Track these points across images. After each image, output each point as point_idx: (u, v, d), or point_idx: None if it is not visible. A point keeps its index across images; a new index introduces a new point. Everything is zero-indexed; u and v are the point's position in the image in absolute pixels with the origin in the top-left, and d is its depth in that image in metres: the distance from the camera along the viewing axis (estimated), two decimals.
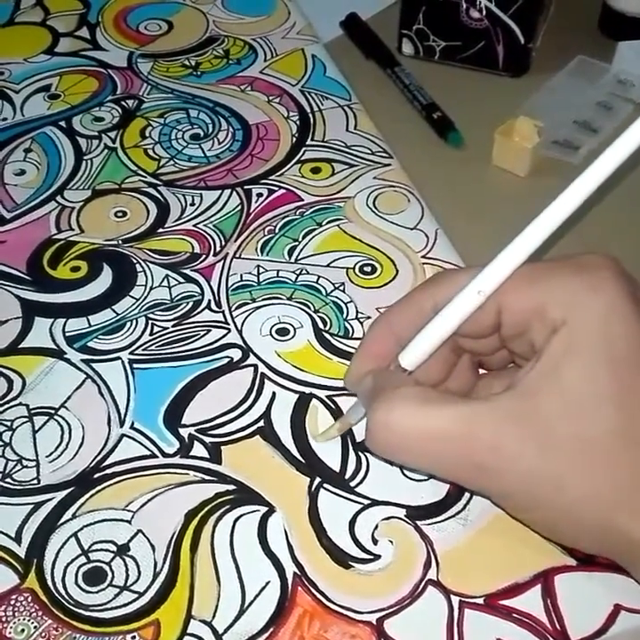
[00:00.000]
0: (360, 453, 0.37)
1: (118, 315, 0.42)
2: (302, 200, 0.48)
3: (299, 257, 0.45)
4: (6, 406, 0.38)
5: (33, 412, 0.38)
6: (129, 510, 0.35)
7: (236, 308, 0.43)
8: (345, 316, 0.42)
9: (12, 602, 0.32)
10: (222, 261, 0.45)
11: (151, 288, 0.44)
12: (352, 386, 0.37)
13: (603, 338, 0.29)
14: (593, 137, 0.53)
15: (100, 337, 0.41)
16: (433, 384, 0.35)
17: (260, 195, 0.49)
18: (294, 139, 0.52)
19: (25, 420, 0.38)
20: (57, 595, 0.32)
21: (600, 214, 0.45)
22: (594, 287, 0.30)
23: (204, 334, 0.41)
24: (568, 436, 0.29)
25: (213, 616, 0.32)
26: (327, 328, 0.42)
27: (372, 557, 0.34)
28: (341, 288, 0.44)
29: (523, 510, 0.32)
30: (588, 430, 0.29)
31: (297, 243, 0.46)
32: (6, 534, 0.34)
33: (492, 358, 0.35)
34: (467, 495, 0.35)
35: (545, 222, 0.30)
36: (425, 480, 0.36)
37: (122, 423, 0.38)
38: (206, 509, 0.35)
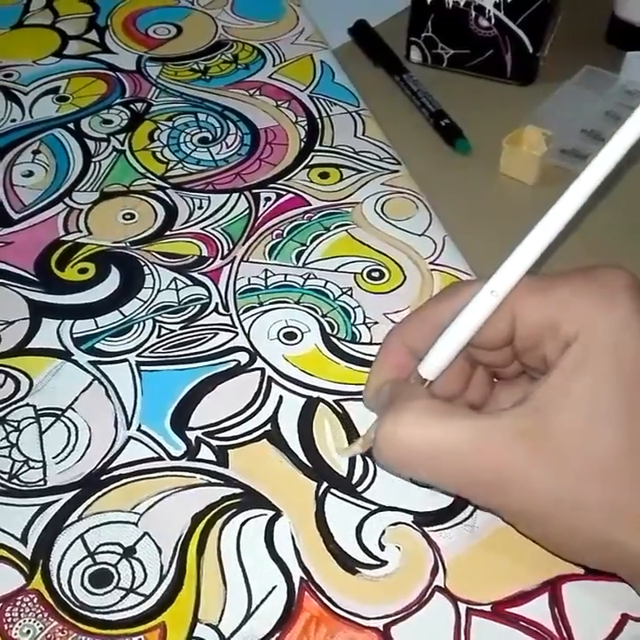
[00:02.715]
0: (367, 459, 0.37)
1: (126, 317, 0.42)
2: (310, 205, 0.48)
3: (306, 261, 0.45)
4: (13, 407, 0.38)
5: (40, 412, 0.38)
6: (135, 512, 0.35)
7: (244, 312, 0.43)
8: (352, 320, 0.42)
9: (18, 603, 0.32)
10: (230, 265, 0.45)
11: (159, 290, 0.44)
12: (370, 402, 0.37)
13: (614, 355, 0.29)
14: (601, 146, 0.53)
15: (108, 339, 0.41)
16: (451, 396, 0.35)
17: (268, 199, 0.49)
18: (302, 144, 0.52)
19: (32, 420, 0.38)
20: (63, 596, 0.32)
21: (601, 213, 0.45)
22: (607, 303, 0.30)
23: (212, 337, 0.41)
24: (575, 453, 0.29)
25: (219, 620, 0.32)
26: (335, 332, 0.42)
27: (379, 563, 0.34)
28: (349, 293, 0.44)
29: (529, 526, 0.32)
30: (594, 447, 0.29)
31: (305, 247, 0.46)
32: (12, 535, 0.34)
33: (506, 371, 0.35)
34: None
35: (552, 221, 0.31)
36: (432, 486, 0.36)
37: (129, 425, 0.38)
38: (213, 513, 0.35)
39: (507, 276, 0.31)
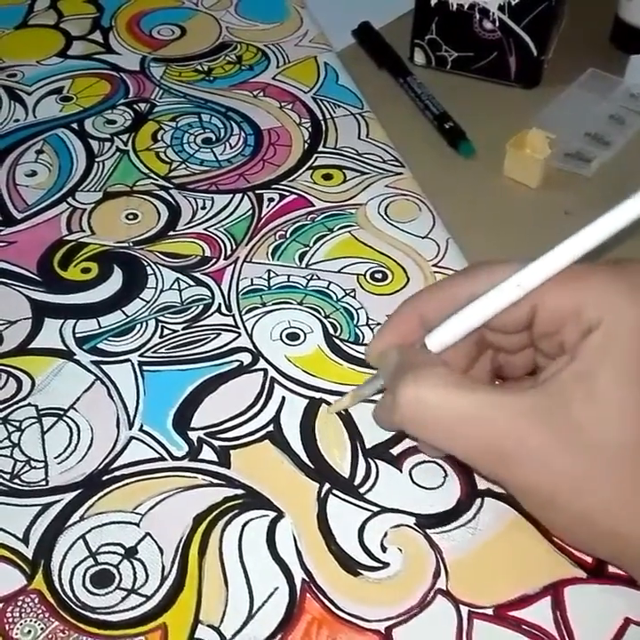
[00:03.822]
0: (370, 460, 0.37)
1: (128, 317, 0.42)
2: (314, 206, 0.48)
3: (310, 262, 0.45)
4: (15, 407, 0.38)
5: (42, 412, 0.38)
6: (137, 513, 0.35)
7: (247, 312, 0.43)
8: (355, 322, 0.42)
9: (19, 603, 0.32)
10: (233, 265, 0.45)
11: (161, 291, 0.43)
12: (373, 359, 0.37)
13: (638, 345, 0.29)
14: (605, 150, 0.53)
15: (110, 339, 0.41)
16: None
17: (271, 199, 0.49)
18: (306, 145, 0.52)
19: (34, 420, 0.38)
20: (64, 596, 0.32)
21: None
22: (633, 292, 0.29)
23: (214, 337, 0.41)
24: (593, 440, 0.29)
25: (221, 621, 0.32)
26: (337, 334, 0.42)
27: (381, 565, 0.33)
28: (352, 294, 0.44)
29: (539, 508, 0.32)
30: (613, 437, 0.29)
31: (308, 248, 0.46)
32: (14, 535, 0.34)
33: (513, 359, 0.35)
34: (477, 504, 0.35)
35: (601, 227, 0.30)
36: (435, 488, 0.36)
37: (131, 425, 0.38)
38: (215, 513, 0.35)
39: (537, 273, 0.31)
